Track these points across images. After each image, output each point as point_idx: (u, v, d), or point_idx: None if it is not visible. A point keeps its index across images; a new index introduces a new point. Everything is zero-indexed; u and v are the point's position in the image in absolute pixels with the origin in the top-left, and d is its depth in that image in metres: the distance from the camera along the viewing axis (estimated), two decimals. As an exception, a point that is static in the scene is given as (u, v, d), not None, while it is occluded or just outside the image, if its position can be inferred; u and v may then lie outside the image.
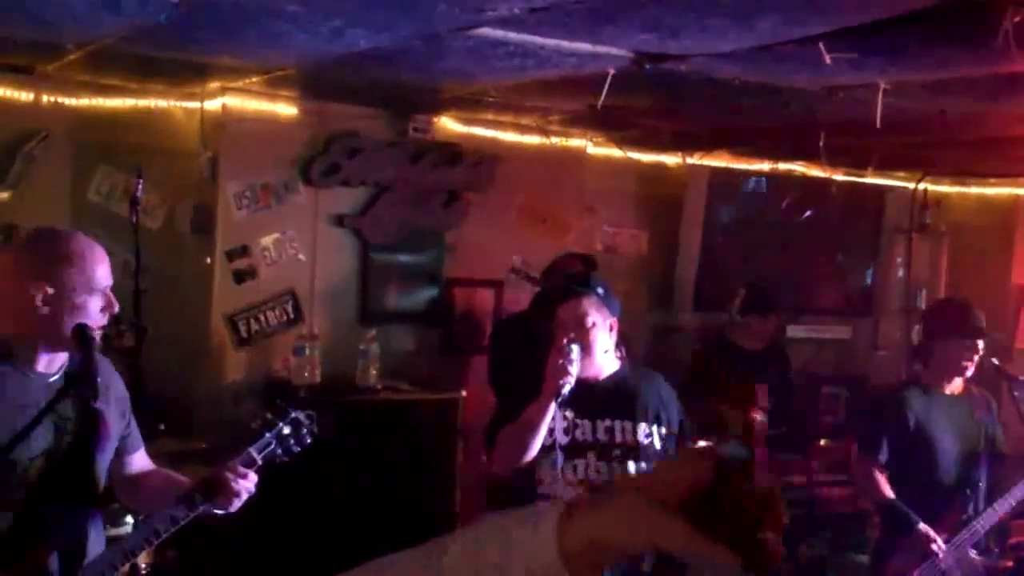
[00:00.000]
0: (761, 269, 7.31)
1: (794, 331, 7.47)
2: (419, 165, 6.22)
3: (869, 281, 8.11)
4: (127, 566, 3.12)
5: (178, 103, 5.76)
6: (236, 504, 3.08)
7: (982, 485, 4.73)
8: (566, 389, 3.63)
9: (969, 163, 7.11)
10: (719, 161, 7.29)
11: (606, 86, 4.35)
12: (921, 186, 7.84)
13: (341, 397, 5.70)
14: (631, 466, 3.81)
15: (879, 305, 8.08)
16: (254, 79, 5.26)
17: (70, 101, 5.49)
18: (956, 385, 4.84)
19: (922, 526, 4.56)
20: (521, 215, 6.67)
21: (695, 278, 7.29)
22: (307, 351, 5.75)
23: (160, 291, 5.34)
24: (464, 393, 5.98)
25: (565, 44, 3.82)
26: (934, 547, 4.52)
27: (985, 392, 4.93)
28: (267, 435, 3.16)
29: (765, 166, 7.46)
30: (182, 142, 5.81)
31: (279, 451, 3.17)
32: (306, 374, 5.69)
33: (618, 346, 3.96)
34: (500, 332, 6.09)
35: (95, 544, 3.10)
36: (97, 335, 3.00)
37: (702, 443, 5.60)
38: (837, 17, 3.24)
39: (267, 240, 5.88)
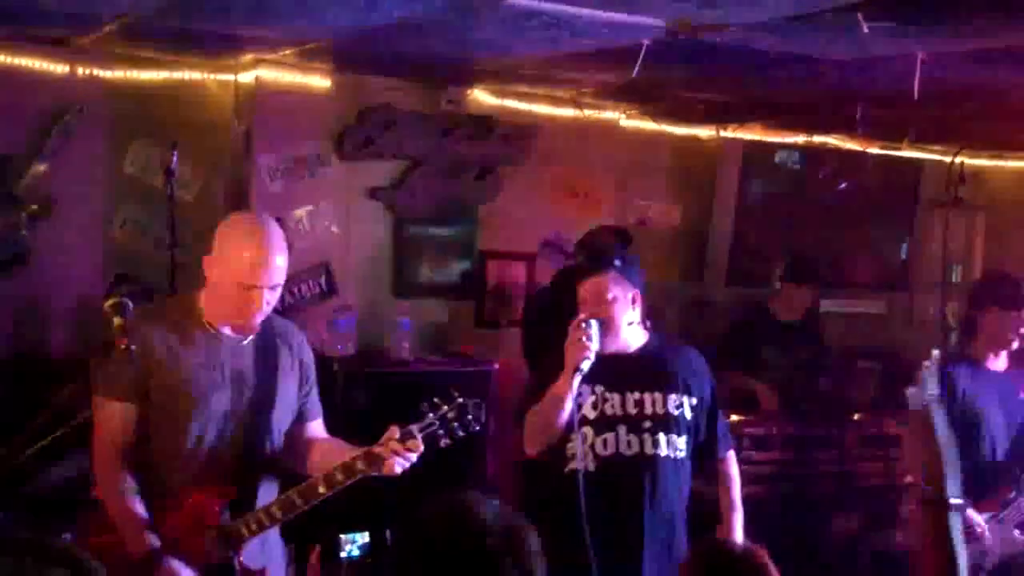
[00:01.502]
0: (795, 243, 7.27)
1: (828, 305, 7.42)
2: (452, 138, 6.22)
3: (904, 255, 8.04)
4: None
5: (212, 76, 5.77)
6: (396, 471, 3.19)
7: None
8: (585, 365, 3.63)
9: (1007, 136, 7.03)
10: (753, 134, 7.24)
11: (640, 57, 4.33)
12: (958, 160, 7.75)
13: (374, 369, 5.73)
14: (662, 437, 3.81)
15: (914, 279, 8.01)
16: (288, 51, 5.27)
17: (105, 74, 5.51)
18: (1001, 361, 4.81)
19: (969, 512, 4.52)
20: (554, 188, 6.65)
21: (728, 252, 7.26)
22: (342, 324, 5.78)
23: (195, 262, 5.35)
24: (496, 365, 5.99)
25: (600, 14, 3.80)
26: (977, 530, 4.49)
27: None
28: (430, 416, 3.23)
29: (800, 139, 7.39)
30: (216, 115, 5.83)
31: (441, 432, 3.23)
32: (340, 346, 5.72)
33: (645, 317, 3.95)
34: (531, 306, 6.10)
35: (264, 500, 3.28)
36: (130, 303, 3.07)
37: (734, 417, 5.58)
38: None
39: (301, 212, 5.91)
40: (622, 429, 3.78)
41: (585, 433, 3.75)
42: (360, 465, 3.17)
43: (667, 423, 3.84)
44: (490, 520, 2.10)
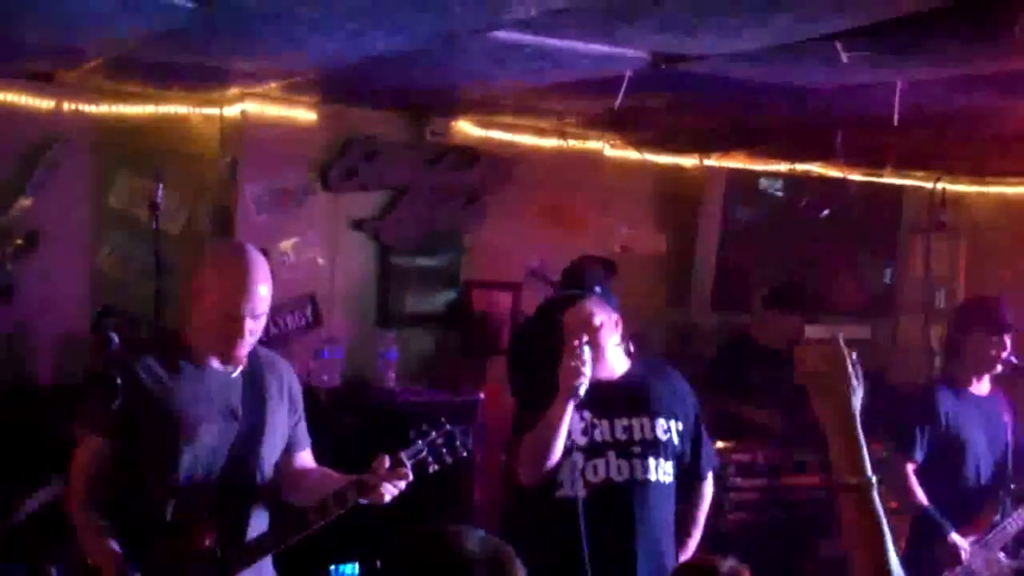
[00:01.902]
0: (779, 269, 7.30)
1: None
2: (437, 168, 6.25)
3: (888, 281, 8.08)
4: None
5: (198, 109, 5.80)
6: (386, 499, 3.21)
7: (1013, 487, 4.71)
8: (582, 390, 3.64)
9: (987, 162, 7.09)
10: (736, 162, 7.29)
11: (623, 88, 4.37)
12: (939, 185, 7.81)
13: (361, 400, 5.73)
14: (651, 462, 3.82)
15: (898, 305, 8.05)
16: (273, 84, 5.30)
17: (90, 108, 5.53)
18: (984, 384, 4.83)
19: (953, 536, 4.54)
20: (539, 217, 6.67)
21: (713, 278, 7.29)
22: (327, 354, 5.78)
23: (181, 294, 5.36)
24: (482, 395, 5.99)
25: (581, 46, 3.84)
26: (962, 555, 4.51)
27: (1007, 395, 4.92)
28: (419, 443, 3.27)
29: (783, 167, 7.44)
30: (202, 147, 5.85)
31: (430, 459, 3.27)
32: (325, 377, 5.72)
33: (624, 340, 3.97)
34: (518, 337, 6.09)
35: (255, 531, 3.29)
36: (115, 337, 3.09)
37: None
38: (853, 15, 3.24)
39: (286, 244, 5.92)
40: (612, 455, 3.78)
41: (575, 460, 3.76)
42: (351, 494, 3.19)
43: (656, 448, 3.85)
44: (475, 550, 2.10)
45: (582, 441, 3.77)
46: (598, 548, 3.67)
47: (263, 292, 3.21)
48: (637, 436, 3.83)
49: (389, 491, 3.18)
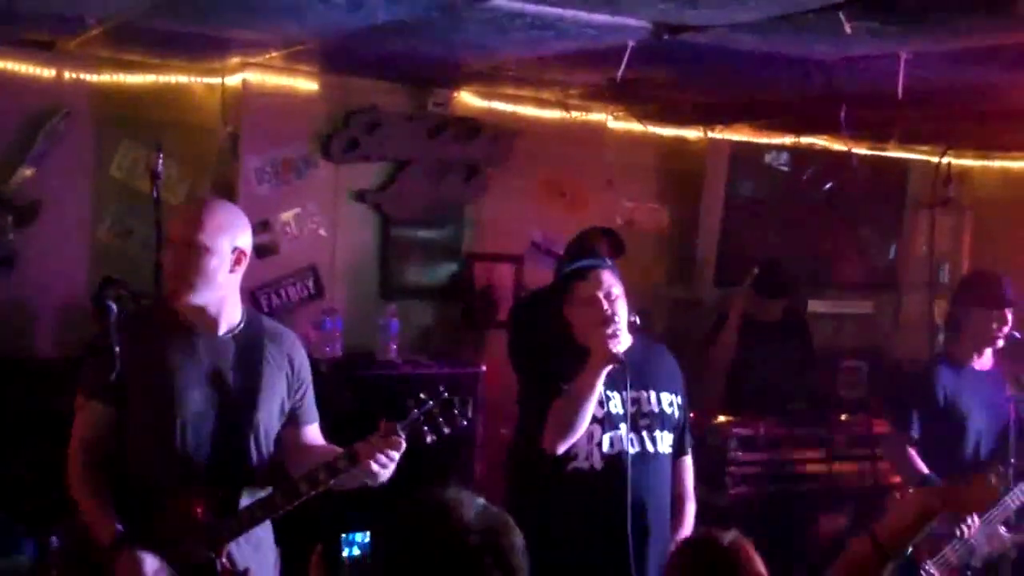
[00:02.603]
0: (782, 244, 7.28)
1: (816, 306, 7.44)
2: (438, 140, 6.22)
3: (892, 256, 8.06)
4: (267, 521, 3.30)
5: (199, 79, 5.77)
6: (381, 476, 3.19)
7: (1013, 461, 4.71)
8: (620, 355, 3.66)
9: (993, 137, 7.06)
10: (740, 135, 7.25)
11: (625, 58, 4.34)
12: (944, 160, 7.78)
13: (362, 371, 5.73)
14: (658, 435, 3.84)
15: (902, 280, 8.03)
16: (274, 54, 5.27)
17: (91, 77, 5.51)
18: (986, 359, 4.83)
19: None
20: (541, 190, 6.66)
21: (716, 253, 7.27)
22: (328, 325, 5.78)
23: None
24: (484, 367, 5.99)
25: (583, 15, 3.81)
26: (966, 522, 4.51)
27: (1013, 368, 4.91)
28: (415, 413, 3.25)
29: (787, 140, 7.41)
30: (203, 117, 5.82)
31: (426, 427, 3.24)
32: (327, 348, 5.72)
33: (631, 314, 3.99)
34: (519, 308, 6.08)
35: (250, 500, 3.27)
36: (113, 306, 3.08)
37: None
38: (857, -15, 3.22)
39: (288, 215, 5.91)
40: (624, 427, 3.80)
41: (592, 431, 3.76)
42: (342, 463, 3.17)
43: (662, 420, 3.90)
44: (472, 518, 2.09)
45: (599, 413, 3.78)
46: (612, 520, 3.69)
47: (201, 219, 3.20)
48: (645, 408, 3.87)
49: (382, 462, 3.16)
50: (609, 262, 3.95)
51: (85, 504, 3.16)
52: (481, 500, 2.16)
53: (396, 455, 3.18)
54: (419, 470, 3.28)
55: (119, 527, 3.09)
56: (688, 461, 4.14)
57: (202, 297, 3.25)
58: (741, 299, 6.35)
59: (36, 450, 4.60)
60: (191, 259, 3.20)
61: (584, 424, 3.72)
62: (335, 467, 3.18)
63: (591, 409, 3.71)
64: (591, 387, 3.68)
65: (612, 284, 3.85)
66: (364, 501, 3.40)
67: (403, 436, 3.19)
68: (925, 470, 4.70)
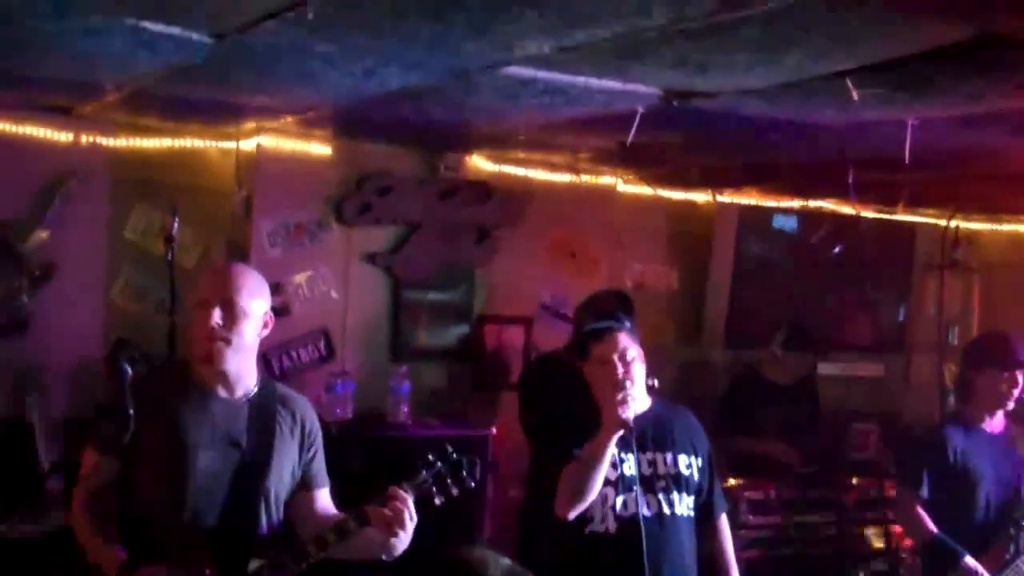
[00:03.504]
0: (792, 306, 7.29)
1: (825, 368, 7.43)
2: (450, 203, 6.28)
3: (901, 318, 8.07)
4: None
5: (213, 143, 5.84)
6: (396, 546, 3.19)
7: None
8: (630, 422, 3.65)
9: (1000, 200, 7.09)
10: (748, 199, 7.30)
11: (635, 124, 4.39)
12: (952, 223, 7.81)
13: (372, 433, 5.74)
14: (675, 497, 3.82)
15: (911, 342, 8.03)
16: (288, 119, 5.34)
17: (108, 141, 5.59)
18: (997, 421, 4.82)
19: (968, 559, 4.52)
20: (551, 252, 6.70)
21: (725, 314, 7.29)
22: (339, 387, 5.79)
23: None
24: (494, 429, 6.00)
25: (594, 82, 3.86)
26: None
27: (1021, 432, 4.90)
28: (424, 473, 3.26)
29: (795, 204, 7.46)
30: (217, 181, 5.89)
31: (434, 489, 3.26)
32: (338, 410, 5.73)
33: (649, 376, 3.99)
34: (529, 376, 6.08)
35: (256, 564, 3.23)
36: (128, 367, 3.10)
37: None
38: (864, 52, 3.26)
39: (300, 278, 5.95)
40: (639, 490, 3.78)
41: (606, 494, 3.76)
42: (351, 524, 3.17)
43: (679, 483, 3.88)
44: None
45: (612, 476, 3.77)
46: None
47: (239, 284, 3.20)
48: (661, 471, 3.85)
49: (393, 521, 3.15)
50: (627, 324, 3.95)
51: (89, 541, 3.16)
52: (507, 560, 2.16)
53: (407, 516, 3.16)
54: (428, 531, 3.28)
55: (123, 555, 3.08)
56: (723, 523, 4.10)
57: (232, 360, 3.25)
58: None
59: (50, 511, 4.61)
60: (229, 321, 3.20)
61: (596, 489, 3.70)
62: (344, 528, 3.18)
63: (602, 474, 3.70)
64: (603, 452, 3.67)
65: (628, 346, 3.85)
66: (368, 564, 3.37)
67: (412, 497, 3.19)
68: (934, 530, 4.68)
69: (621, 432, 3.66)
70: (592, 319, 4.07)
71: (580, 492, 3.70)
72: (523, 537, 5.66)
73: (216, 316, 3.17)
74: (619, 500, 3.77)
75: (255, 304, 3.26)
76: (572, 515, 3.75)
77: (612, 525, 3.75)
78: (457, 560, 2.14)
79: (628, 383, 3.72)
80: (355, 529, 3.17)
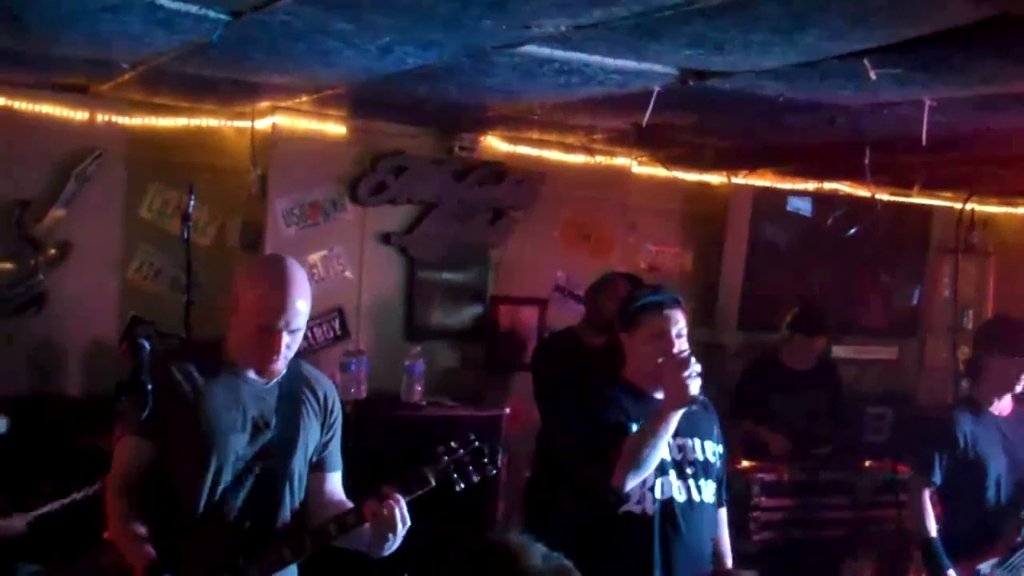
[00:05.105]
0: (806, 289, 7.29)
1: (840, 351, 7.43)
2: (464, 183, 6.28)
3: (916, 301, 8.05)
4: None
5: (229, 122, 5.86)
6: (385, 545, 3.17)
7: None
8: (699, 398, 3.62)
9: (1016, 183, 7.06)
10: (764, 180, 7.29)
11: (651, 104, 4.38)
12: (968, 206, 7.78)
13: (386, 412, 5.76)
14: (703, 483, 3.80)
15: (925, 325, 8.02)
16: (304, 98, 5.35)
17: (124, 120, 5.61)
18: (1005, 404, 4.81)
19: (951, 573, 4.53)
20: (565, 233, 6.70)
21: (739, 297, 7.29)
22: (353, 367, 5.81)
23: (210, 306, 5.41)
24: (508, 409, 6.01)
25: (610, 61, 3.85)
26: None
27: None
28: (445, 459, 3.26)
29: (810, 185, 7.44)
30: (232, 160, 5.91)
31: (455, 475, 3.26)
32: (352, 389, 5.75)
33: None
34: (545, 349, 6.09)
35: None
36: (146, 344, 3.10)
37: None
38: (881, 32, 3.25)
39: (315, 257, 5.97)
40: (673, 474, 3.77)
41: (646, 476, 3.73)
42: (352, 519, 3.18)
43: (706, 469, 3.86)
44: (539, 563, 2.08)
45: None
46: (661, 565, 3.69)
47: (300, 306, 3.18)
48: (690, 456, 3.83)
49: (387, 517, 3.13)
50: (681, 301, 3.92)
51: (119, 533, 3.17)
52: (542, 546, 2.14)
53: (399, 520, 3.13)
54: (443, 511, 3.29)
55: (152, 554, 3.09)
56: (724, 513, 4.10)
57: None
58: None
59: (65, 488, 4.63)
60: (293, 341, 3.20)
61: (655, 463, 3.66)
62: (345, 523, 3.19)
63: (663, 448, 3.66)
64: (666, 426, 3.61)
65: (683, 325, 3.83)
66: (408, 551, 3.37)
67: (433, 482, 3.21)
68: (933, 531, 4.65)
69: (688, 407, 3.62)
70: (648, 292, 4.00)
71: (641, 464, 3.62)
72: (532, 513, 5.68)
73: (284, 340, 3.17)
74: (657, 483, 3.73)
75: (306, 317, 3.26)
76: (629, 486, 3.66)
77: (650, 507, 3.71)
78: (496, 546, 2.12)
79: (693, 359, 3.66)
80: (354, 523, 3.18)
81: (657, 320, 3.82)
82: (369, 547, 3.23)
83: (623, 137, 6.09)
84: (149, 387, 3.00)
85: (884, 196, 7.47)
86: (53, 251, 5.51)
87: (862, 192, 7.32)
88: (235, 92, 5.24)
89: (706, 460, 3.85)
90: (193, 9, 3.42)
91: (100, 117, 5.55)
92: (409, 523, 3.16)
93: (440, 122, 6.01)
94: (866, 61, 3.51)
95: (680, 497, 3.76)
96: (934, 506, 4.76)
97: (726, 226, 7.29)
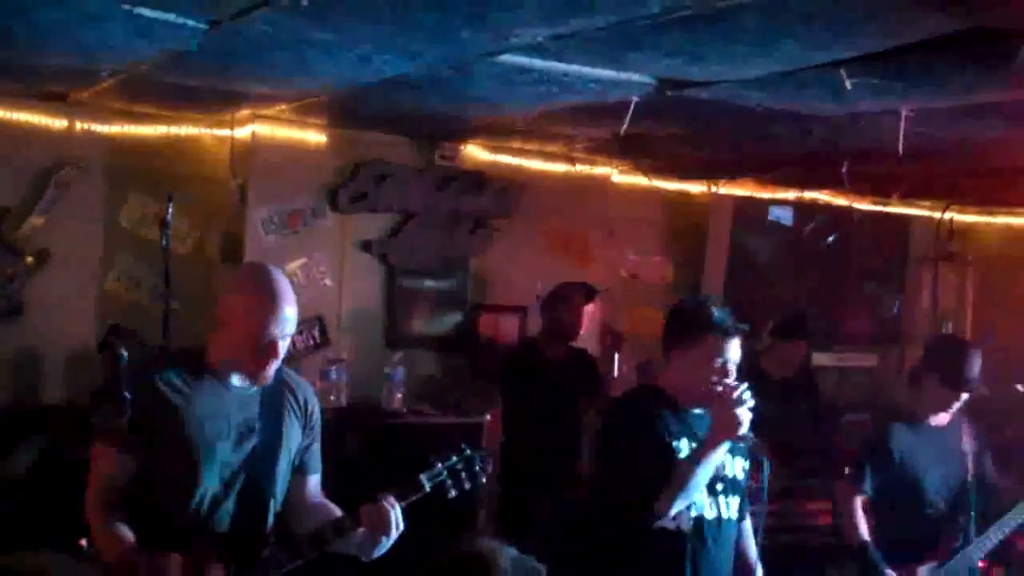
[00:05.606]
0: (787, 298, 7.30)
1: (820, 359, 7.45)
2: (445, 192, 6.29)
3: (896, 310, 8.08)
4: None
5: (209, 131, 5.85)
6: (375, 548, 3.22)
7: (973, 513, 4.66)
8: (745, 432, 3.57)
9: (995, 192, 7.10)
10: (744, 190, 7.31)
11: (629, 113, 4.40)
12: (947, 215, 7.83)
13: (367, 421, 5.75)
14: (731, 500, 3.75)
15: (906, 334, 8.05)
16: (284, 107, 5.34)
17: (103, 128, 5.59)
18: (943, 416, 4.76)
19: (889, 573, 4.52)
20: (546, 242, 6.71)
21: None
22: (334, 375, 5.80)
23: (189, 315, 5.39)
24: (488, 417, 6.01)
25: (588, 71, 3.87)
26: None
27: (973, 421, 4.85)
28: (439, 466, 3.30)
29: (790, 195, 7.47)
30: (212, 169, 5.89)
31: (449, 482, 3.30)
32: (332, 398, 5.74)
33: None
34: (508, 363, 6.09)
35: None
36: (125, 354, 3.09)
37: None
38: (858, 42, 3.27)
39: (295, 265, 5.95)
40: (704, 491, 3.69)
41: None
42: (348, 523, 3.20)
43: (734, 486, 3.80)
44: (509, 567, 2.09)
45: None
46: None
47: (291, 314, 3.20)
48: (721, 473, 3.75)
49: (382, 522, 3.17)
50: (747, 329, 3.84)
51: (105, 542, 3.15)
52: (513, 549, 2.16)
53: (393, 525, 3.18)
54: (426, 518, 3.30)
55: (138, 549, 3.08)
56: (748, 525, 4.02)
57: None
58: None
59: (45, 496, 4.61)
60: (286, 347, 3.23)
61: (700, 489, 3.61)
62: (342, 527, 3.21)
63: (709, 476, 3.59)
64: (717, 457, 3.57)
65: (740, 356, 3.77)
66: (388, 559, 3.38)
67: (428, 489, 3.25)
68: (865, 536, 4.65)
69: (739, 441, 3.59)
70: (716, 312, 3.91)
71: (688, 493, 3.58)
72: (507, 521, 5.67)
73: (280, 348, 3.20)
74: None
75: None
76: (672, 512, 3.60)
77: (685, 524, 3.64)
78: (469, 552, 2.14)
79: (748, 394, 3.60)
80: (351, 528, 3.20)
81: (722, 344, 3.74)
82: (359, 550, 3.25)
83: (604, 146, 6.11)
84: (127, 396, 2.99)
85: (864, 206, 7.51)
86: (31, 259, 5.48)
87: (842, 202, 7.36)
88: (215, 100, 5.23)
89: (735, 477, 3.80)
90: (172, 18, 3.43)
91: (79, 125, 5.53)
92: (403, 528, 3.20)
93: (421, 131, 6.01)
94: (842, 71, 3.54)
95: (710, 514, 3.70)
96: (866, 513, 4.75)
97: (707, 235, 7.31)
